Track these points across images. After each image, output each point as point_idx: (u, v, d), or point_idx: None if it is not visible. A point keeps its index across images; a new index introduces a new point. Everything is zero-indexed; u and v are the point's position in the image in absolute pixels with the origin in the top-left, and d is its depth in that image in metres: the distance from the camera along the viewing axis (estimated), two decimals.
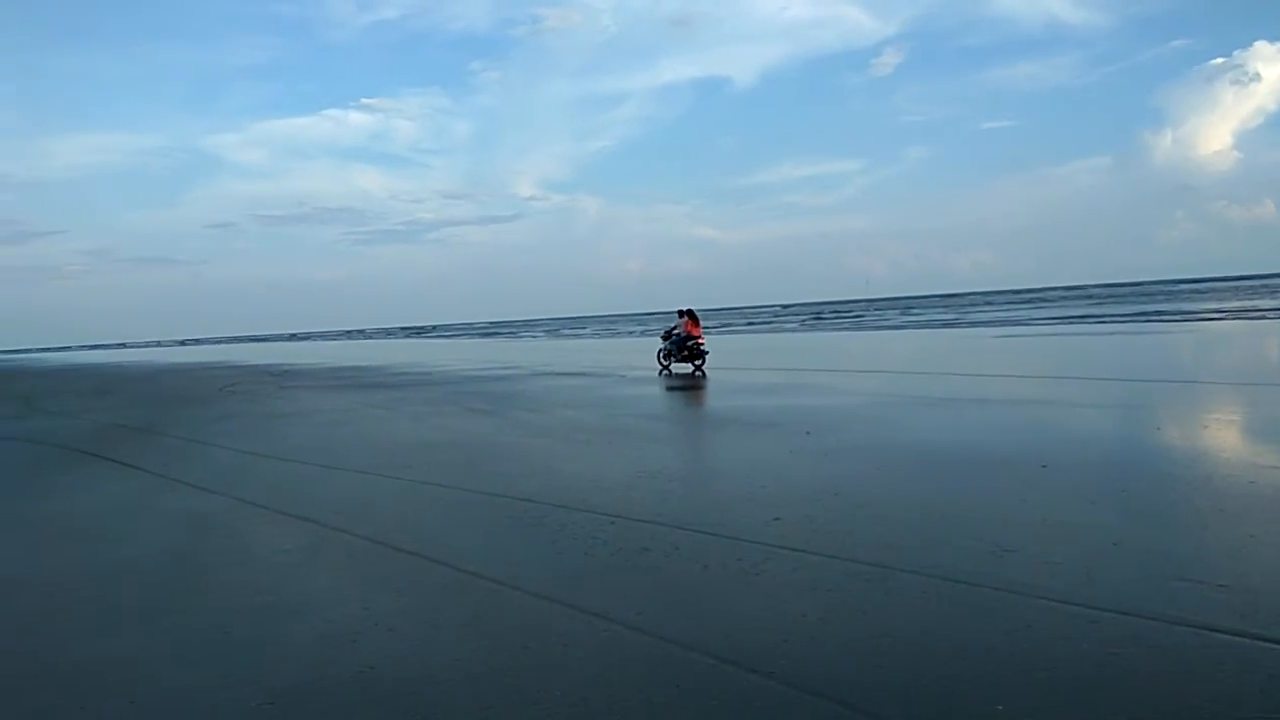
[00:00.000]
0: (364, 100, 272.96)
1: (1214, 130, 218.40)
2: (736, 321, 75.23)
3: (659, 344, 22.04)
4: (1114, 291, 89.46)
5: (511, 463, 9.16)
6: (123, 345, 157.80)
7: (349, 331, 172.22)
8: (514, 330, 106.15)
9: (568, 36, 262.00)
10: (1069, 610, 4.09)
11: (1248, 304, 45.55)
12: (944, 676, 3.51)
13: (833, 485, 7.18)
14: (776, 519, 6.08)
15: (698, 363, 20.42)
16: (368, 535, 6.32)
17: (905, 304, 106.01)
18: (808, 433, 10.05)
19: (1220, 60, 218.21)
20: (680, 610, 4.43)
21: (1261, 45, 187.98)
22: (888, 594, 4.51)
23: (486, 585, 5.02)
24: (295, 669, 3.97)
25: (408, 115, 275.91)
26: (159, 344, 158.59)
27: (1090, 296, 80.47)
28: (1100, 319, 41.87)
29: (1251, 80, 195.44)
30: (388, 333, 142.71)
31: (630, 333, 65.18)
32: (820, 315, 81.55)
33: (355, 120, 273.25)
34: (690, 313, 20.90)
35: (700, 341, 20.69)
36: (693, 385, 17.69)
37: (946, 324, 49.89)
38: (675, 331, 21.17)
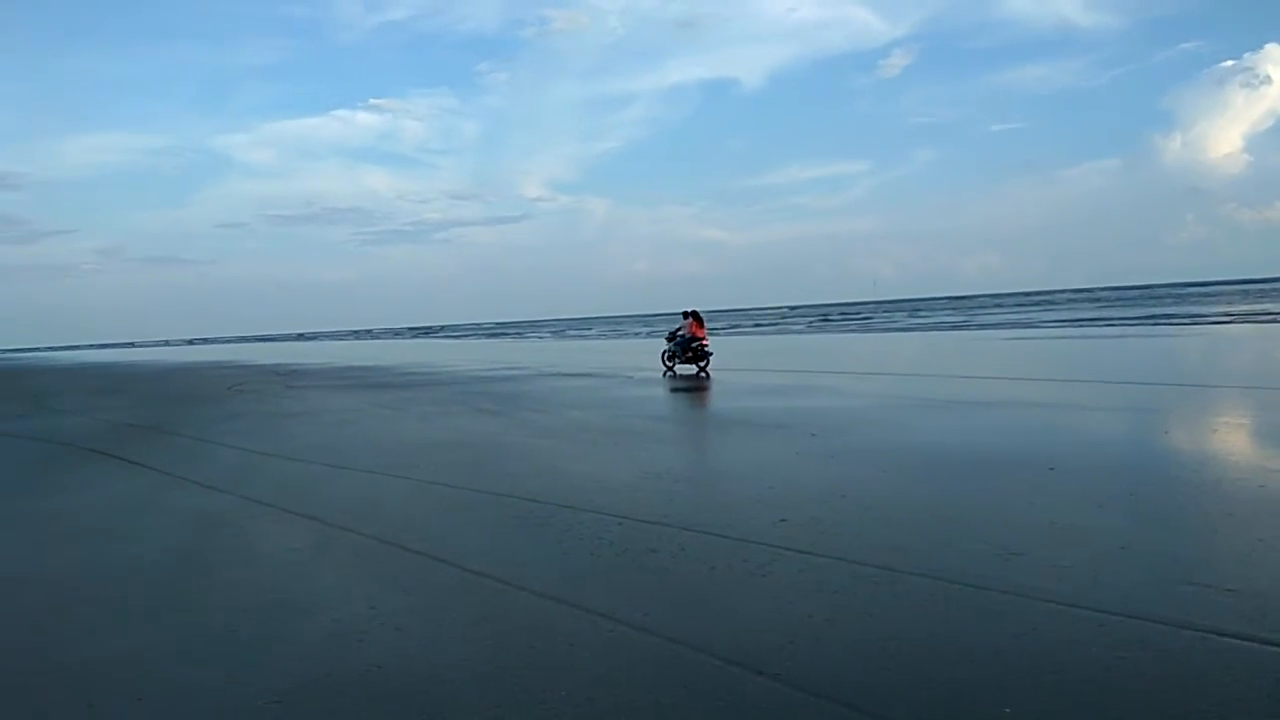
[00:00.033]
0: (372, 101, 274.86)
1: (1224, 133, 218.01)
2: (744, 323, 75.13)
3: (664, 345, 22.05)
4: (1123, 294, 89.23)
5: (518, 463, 9.17)
6: (131, 344, 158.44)
7: (357, 332, 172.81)
8: (520, 331, 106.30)
9: (575, 38, 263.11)
10: (1077, 613, 4.08)
11: (1257, 307, 45.35)
12: (951, 679, 3.51)
13: (839, 487, 7.17)
14: (783, 520, 6.07)
15: (702, 364, 20.43)
16: (375, 534, 6.34)
17: (913, 306, 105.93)
18: (814, 434, 10.04)
19: (1230, 63, 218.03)
20: (687, 611, 4.42)
21: (1272, 48, 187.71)
22: (895, 596, 4.50)
23: (493, 585, 5.02)
24: (302, 667, 3.98)
25: (416, 116, 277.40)
26: (167, 343, 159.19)
27: (1099, 299, 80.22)
28: (1109, 322, 41.72)
29: (1262, 83, 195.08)
30: (395, 333, 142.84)
31: (636, 334, 65.16)
32: (827, 317, 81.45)
33: (364, 121, 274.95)
34: (695, 314, 20.88)
35: (705, 343, 20.70)
36: (698, 386, 17.68)
37: (954, 326, 49.78)
38: (680, 333, 21.15)
